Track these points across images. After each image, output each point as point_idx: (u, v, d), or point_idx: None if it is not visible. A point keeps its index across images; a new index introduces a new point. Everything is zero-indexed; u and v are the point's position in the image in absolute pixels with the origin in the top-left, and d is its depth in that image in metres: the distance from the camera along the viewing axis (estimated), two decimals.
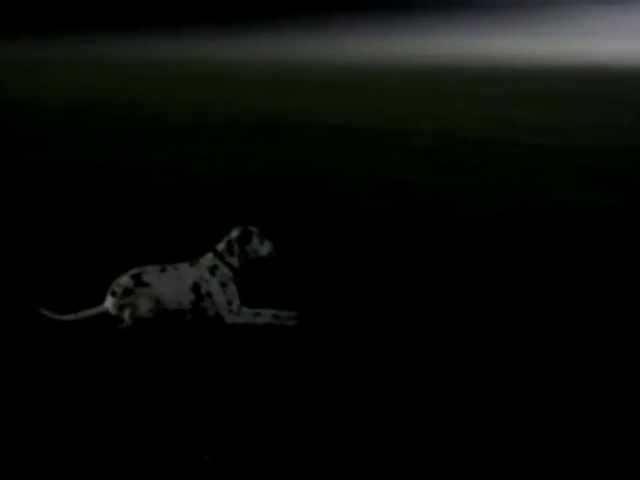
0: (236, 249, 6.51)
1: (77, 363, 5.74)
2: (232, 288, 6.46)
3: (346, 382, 5.48)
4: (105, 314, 6.36)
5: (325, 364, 5.74)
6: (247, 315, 6.43)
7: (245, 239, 6.54)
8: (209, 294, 6.43)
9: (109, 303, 6.37)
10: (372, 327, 6.36)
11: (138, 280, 6.37)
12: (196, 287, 6.42)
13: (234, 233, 6.58)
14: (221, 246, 6.55)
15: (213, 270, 6.47)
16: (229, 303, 6.42)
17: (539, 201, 10.42)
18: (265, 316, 6.43)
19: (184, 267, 6.50)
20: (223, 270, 6.48)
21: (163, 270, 6.46)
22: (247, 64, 28.32)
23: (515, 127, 16.05)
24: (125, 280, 6.38)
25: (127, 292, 6.33)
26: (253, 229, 6.61)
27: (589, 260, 8.09)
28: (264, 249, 6.57)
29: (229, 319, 6.40)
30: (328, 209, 9.96)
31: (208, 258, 6.53)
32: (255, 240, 6.55)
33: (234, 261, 6.50)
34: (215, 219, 9.27)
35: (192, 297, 6.42)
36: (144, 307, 6.31)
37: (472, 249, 8.39)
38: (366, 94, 20.87)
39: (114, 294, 6.36)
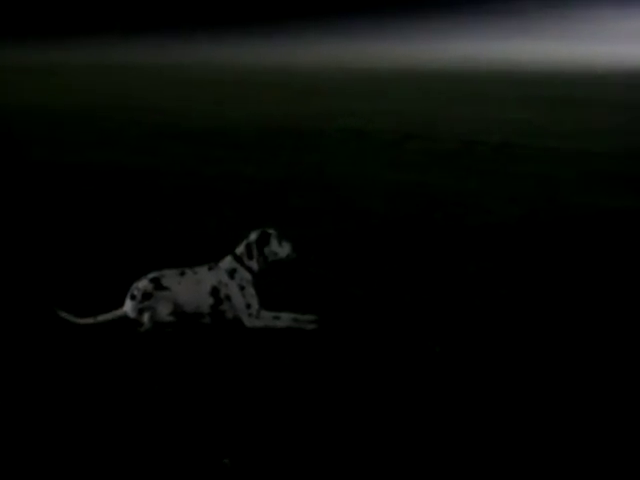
0: (255, 252, 6.48)
1: (96, 366, 5.73)
2: (251, 291, 6.43)
3: (364, 386, 5.44)
4: (124, 318, 6.35)
5: (344, 368, 5.71)
6: (266, 318, 6.40)
7: (264, 241, 6.51)
8: (228, 297, 6.40)
9: (128, 307, 6.36)
10: (392, 332, 6.32)
11: (157, 284, 6.36)
12: (215, 291, 6.40)
13: (252, 236, 6.55)
14: (240, 249, 6.52)
15: (232, 273, 6.44)
16: (248, 306, 6.40)
17: (558, 205, 10.37)
18: (284, 320, 6.40)
19: (203, 271, 6.48)
20: (242, 273, 6.45)
21: (182, 274, 6.44)
22: (265, 68, 28.34)
23: (532, 131, 16.00)
24: (144, 284, 6.36)
25: (146, 296, 6.31)
26: (271, 231, 6.58)
27: (609, 263, 8.03)
28: (283, 251, 6.53)
29: (248, 322, 6.38)
30: (348, 213, 9.93)
31: (227, 261, 6.51)
32: (274, 242, 6.52)
33: (253, 264, 6.47)
34: (234, 222, 9.25)
35: (211, 301, 6.40)
36: (163, 311, 6.30)
37: (495, 253, 8.34)
38: (385, 98, 20.85)
39: (133, 298, 6.35)
